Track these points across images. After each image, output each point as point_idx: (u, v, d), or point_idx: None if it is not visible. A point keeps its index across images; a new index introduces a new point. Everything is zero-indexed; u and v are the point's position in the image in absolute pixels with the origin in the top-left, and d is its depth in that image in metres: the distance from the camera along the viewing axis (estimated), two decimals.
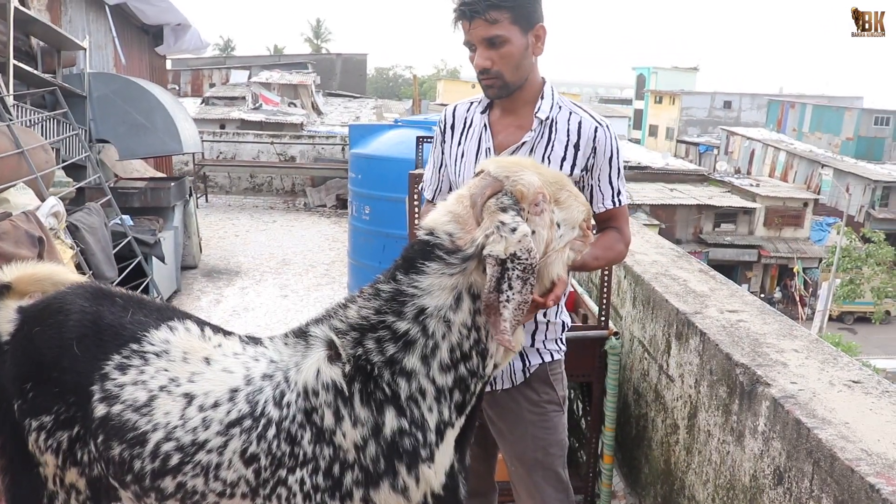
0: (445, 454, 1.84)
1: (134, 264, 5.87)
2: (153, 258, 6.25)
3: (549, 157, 2.25)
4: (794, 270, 30.74)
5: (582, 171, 2.26)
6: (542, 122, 2.26)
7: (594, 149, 2.25)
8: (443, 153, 2.47)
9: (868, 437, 2.01)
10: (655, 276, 3.64)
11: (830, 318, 27.92)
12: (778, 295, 31.73)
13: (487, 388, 2.33)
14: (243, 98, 23.70)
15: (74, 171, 6.64)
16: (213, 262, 8.65)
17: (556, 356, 2.43)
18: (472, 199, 1.81)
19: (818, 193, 35.47)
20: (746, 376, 2.48)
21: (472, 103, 2.42)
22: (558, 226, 1.88)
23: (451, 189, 2.45)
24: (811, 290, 31.05)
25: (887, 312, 29.95)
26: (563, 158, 2.25)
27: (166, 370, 1.93)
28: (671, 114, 55.58)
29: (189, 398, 1.89)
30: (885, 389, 2.32)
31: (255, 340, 2.03)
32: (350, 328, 1.82)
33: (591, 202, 2.28)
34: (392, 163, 5.41)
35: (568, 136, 2.26)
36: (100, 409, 1.91)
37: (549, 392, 2.40)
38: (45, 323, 2.00)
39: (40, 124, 6.28)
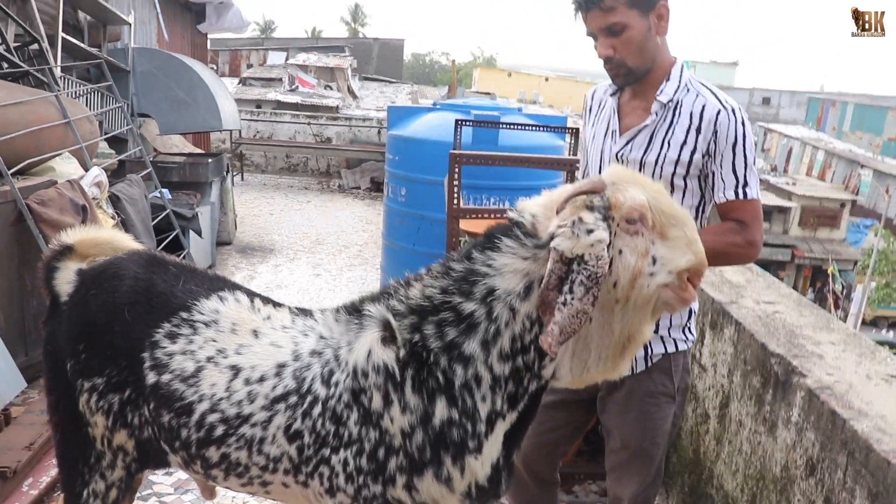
0: (494, 446, 1.80)
1: (171, 237, 5.96)
2: (190, 232, 6.35)
3: (669, 141, 2.19)
4: (829, 272, 30.26)
5: (704, 155, 2.17)
6: (663, 105, 2.20)
7: (715, 132, 2.15)
8: (585, 135, 2.52)
9: None
10: None
11: (864, 323, 27.46)
12: (811, 296, 31.30)
13: None
14: (280, 79, 23.77)
15: (116, 143, 6.76)
16: (247, 239, 8.75)
17: (682, 346, 2.32)
18: (566, 191, 1.73)
19: (856, 194, 34.81)
20: (781, 366, 2.47)
21: (609, 85, 2.39)
22: (654, 261, 1.67)
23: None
24: (845, 292, 30.57)
25: None
26: (684, 143, 2.18)
27: (214, 340, 1.94)
28: None
29: (235, 371, 1.90)
30: None
31: (305, 313, 2.03)
32: (409, 311, 1.78)
33: (711, 190, 2.20)
34: (430, 145, 5.41)
35: (691, 119, 2.18)
36: (151, 377, 1.94)
37: (668, 384, 2.32)
38: (100, 287, 2.04)
39: (85, 96, 6.39)
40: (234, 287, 2.09)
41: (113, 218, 4.99)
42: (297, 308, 2.07)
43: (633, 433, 2.34)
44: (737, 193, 2.15)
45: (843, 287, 30.34)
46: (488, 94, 22.44)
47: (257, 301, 2.05)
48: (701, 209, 2.26)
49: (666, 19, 2.16)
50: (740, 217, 2.17)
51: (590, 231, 1.60)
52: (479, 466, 1.79)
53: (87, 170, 4.93)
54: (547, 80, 48.75)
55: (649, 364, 2.29)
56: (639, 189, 1.69)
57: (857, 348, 2.60)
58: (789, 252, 31.58)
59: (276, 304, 2.07)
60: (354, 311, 1.90)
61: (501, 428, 1.81)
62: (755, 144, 2.29)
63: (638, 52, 2.13)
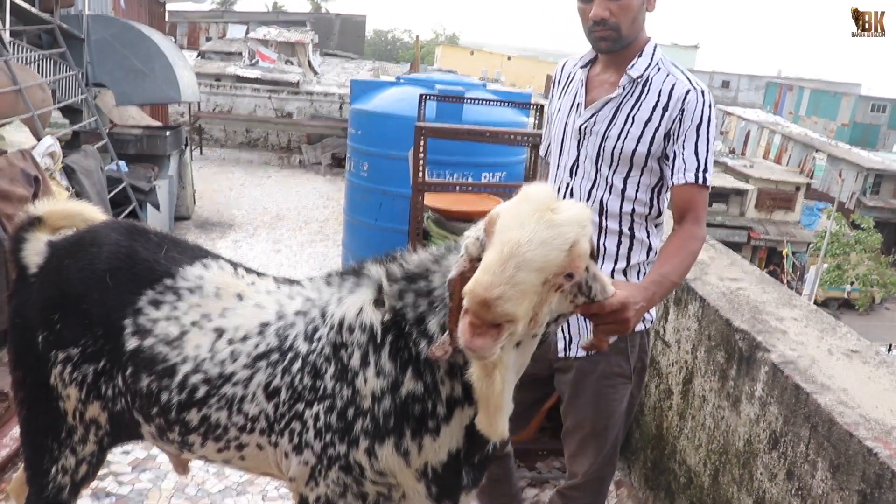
0: (452, 434, 1.78)
1: (128, 210, 5.82)
2: (148, 205, 6.20)
3: (634, 117, 2.12)
4: (784, 253, 30.87)
5: (666, 135, 2.10)
6: (632, 80, 2.14)
7: (682, 111, 2.08)
8: (550, 109, 2.42)
9: (866, 403, 2.03)
10: None
11: (815, 303, 28.12)
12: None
13: (561, 354, 2.26)
14: (240, 54, 23.38)
15: (70, 114, 6.55)
16: (206, 214, 8.59)
17: (638, 327, 2.22)
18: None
19: (811, 178, 35.54)
20: (745, 342, 2.49)
21: (580, 58, 2.33)
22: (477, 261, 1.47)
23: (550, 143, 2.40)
24: (798, 273, 31.23)
25: (871, 299, 30.15)
26: (649, 120, 2.11)
27: (199, 305, 1.93)
28: None
29: (219, 332, 1.90)
30: (883, 360, 2.34)
31: (290, 281, 2.04)
32: (403, 276, 1.76)
33: (671, 173, 2.10)
34: (393, 119, 5.34)
35: (658, 97, 2.11)
36: (132, 343, 1.92)
37: (623, 365, 2.26)
38: (76, 255, 2.00)
39: (36, 63, 6.17)
40: (217, 256, 2.09)
41: (67, 190, 4.84)
42: (282, 277, 2.08)
43: (587, 415, 2.31)
44: (697, 177, 2.06)
45: (795, 267, 31.01)
46: (451, 71, 22.32)
47: (240, 269, 2.05)
48: (657, 191, 2.19)
49: None
50: (696, 209, 2.08)
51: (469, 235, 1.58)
52: (435, 449, 1.78)
53: (39, 139, 4.77)
54: (509, 58, 48.60)
55: None
56: (514, 200, 1.48)
57: (818, 324, 2.63)
58: (745, 234, 32.15)
59: (260, 273, 2.08)
60: (354, 271, 1.90)
61: (460, 418, 1.76)
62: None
63: (631, 20, 2.09)
